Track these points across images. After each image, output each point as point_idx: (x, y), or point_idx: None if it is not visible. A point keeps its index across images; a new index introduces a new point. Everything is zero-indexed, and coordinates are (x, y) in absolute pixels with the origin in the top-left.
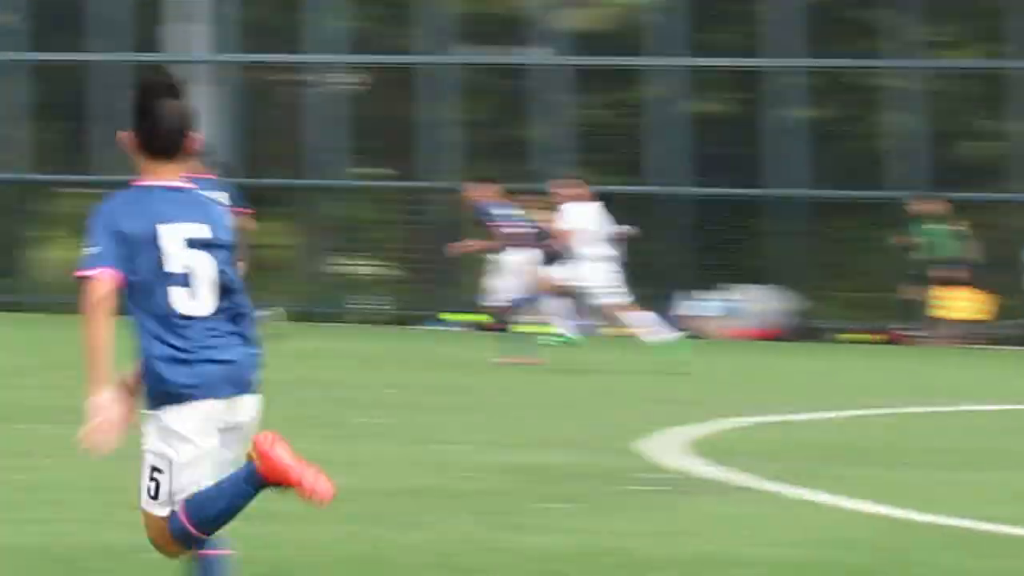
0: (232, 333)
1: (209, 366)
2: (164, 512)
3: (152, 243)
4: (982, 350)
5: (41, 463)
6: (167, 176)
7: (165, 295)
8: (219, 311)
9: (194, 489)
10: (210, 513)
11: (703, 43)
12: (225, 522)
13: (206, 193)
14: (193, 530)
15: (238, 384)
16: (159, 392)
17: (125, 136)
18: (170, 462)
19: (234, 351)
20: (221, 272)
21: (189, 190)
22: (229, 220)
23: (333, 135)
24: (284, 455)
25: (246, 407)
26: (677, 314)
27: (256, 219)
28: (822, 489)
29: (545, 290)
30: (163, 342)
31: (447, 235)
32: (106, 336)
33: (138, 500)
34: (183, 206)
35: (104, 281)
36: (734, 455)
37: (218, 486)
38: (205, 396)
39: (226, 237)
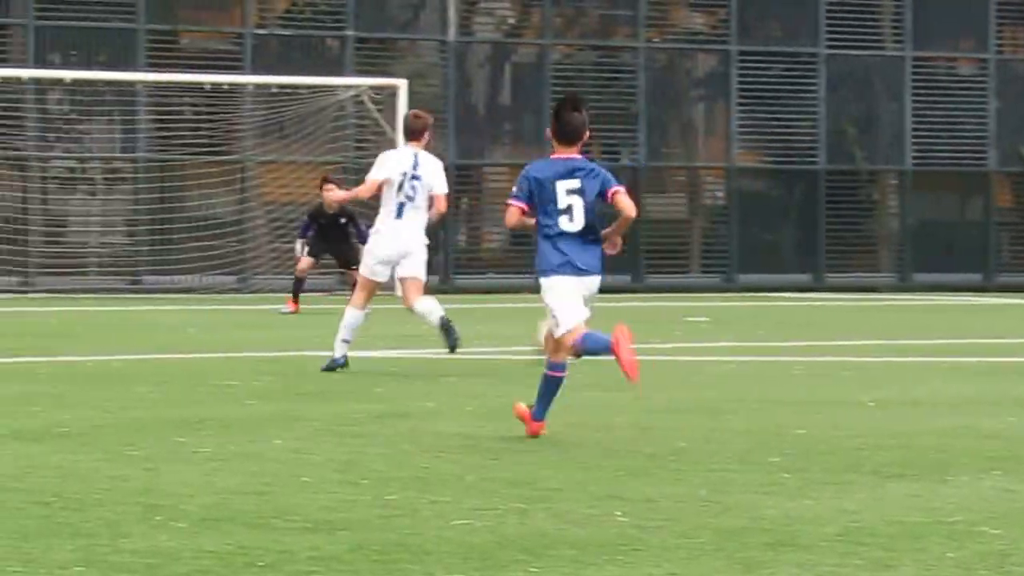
0: (592, 242)
1: (578, 261)
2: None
3: (552, 190)
4: None
5: None
6: (564, 153)
7: (557, 221)
8: (585, 229)
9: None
10: (587, 346)
11: None
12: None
13: (583, 162)
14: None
15: (590, 270)
16: (545, 270)
17: (549, 130)
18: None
19: (593, 252)
20: (587, 207)
21: (572, 159)
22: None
23: None
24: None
25: (593, 283)
26: None
27: None
28: None
29: None
30: (555, 248)
31: None
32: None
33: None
34: (567, 170)
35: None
36: None
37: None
38: (572, 274)
39: (588, 188)
